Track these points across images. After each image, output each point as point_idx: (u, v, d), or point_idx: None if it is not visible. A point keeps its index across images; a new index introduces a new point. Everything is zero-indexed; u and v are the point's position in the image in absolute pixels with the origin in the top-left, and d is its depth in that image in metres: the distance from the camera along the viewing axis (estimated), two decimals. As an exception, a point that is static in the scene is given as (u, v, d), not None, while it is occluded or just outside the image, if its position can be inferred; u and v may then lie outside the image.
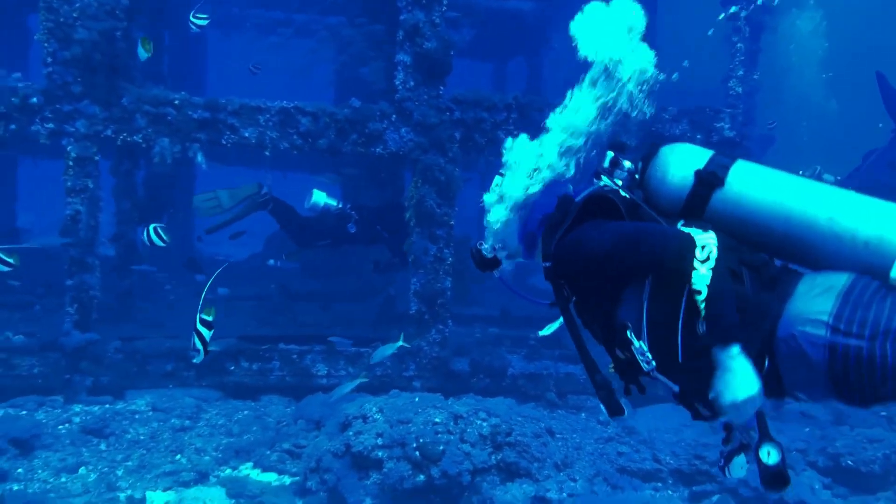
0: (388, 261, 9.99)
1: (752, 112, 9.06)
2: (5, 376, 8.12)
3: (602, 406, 2.66)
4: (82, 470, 6.78)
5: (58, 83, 7.84)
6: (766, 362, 2.30)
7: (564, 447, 7.02)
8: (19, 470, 6.64)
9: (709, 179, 2.54)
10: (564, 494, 6.10)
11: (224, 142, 8.10)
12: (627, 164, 2.78)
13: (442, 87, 8.20)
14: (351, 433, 6.58)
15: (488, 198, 2.92)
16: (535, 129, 2.86)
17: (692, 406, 2.51)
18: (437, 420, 6.57)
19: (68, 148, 7.94)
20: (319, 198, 9.29)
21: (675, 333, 2.39)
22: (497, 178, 2.91)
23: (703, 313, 2.26)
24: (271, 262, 11.43)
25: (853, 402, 2.26)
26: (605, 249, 2.44)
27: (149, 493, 6.28)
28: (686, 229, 2.42)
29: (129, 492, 6.25)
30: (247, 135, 8.11)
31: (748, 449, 2.40)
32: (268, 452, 7.37)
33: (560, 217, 2.69)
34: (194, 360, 4.18)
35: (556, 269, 2.65)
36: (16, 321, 9.30)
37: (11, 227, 12.95)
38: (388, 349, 7.45)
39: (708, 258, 2.25)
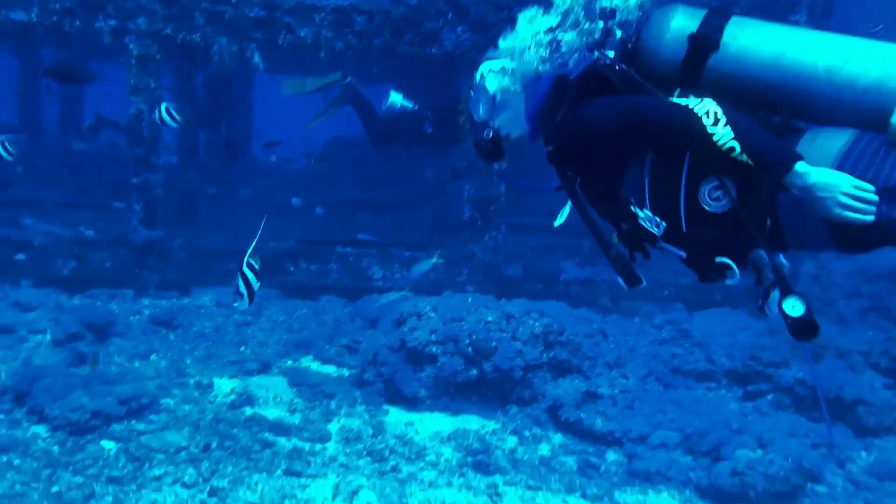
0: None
1: (832, 3, 8.50)
2: (80, 269, 8.55)
3: (620, 279, 2.62)
4: (153, 357, 7.18)
5: (120, -21, 7.91)
6: (769, 220, 2.34)
7: (617, 348, 7.10)
8: (98, 368, 7.06)
9: (703, 43, 2.44)
10: (616, 391, 6.21)
11: (280, 41, 8.09)
12: (619, 32, 2.63)
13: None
14: (406, 329, 6.75)
15: (488, 66, 2.79)
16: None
17: (700, 269, 2.52)
18: (489, 319, 6.69)
19: (130, 46, 8.05)
20: (396, 98, 9.23)
21: (678, 204, 2.41)
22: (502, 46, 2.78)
23: (750, 164, 2.21)
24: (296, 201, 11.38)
25: (853, 251, 2.31)
26: (607, 125, 2.40)
27: (216, 380, 6.62)
28: (682, 101, 2.36)
29: (197, 378, 6.60)
30: (302, 34, 8.08)
31: (776, 286, 2.34)
32: (326, 347, 7.67)
33: (558, 98, 2.61)
34: (236, 305, 4.08)
35: (560, 150, 2.61)
36: (88, 220, 9.69)
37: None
38: (425, 265, 7.62)
39: (717, 119, 2.22)
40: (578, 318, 7.09)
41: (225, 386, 6.52)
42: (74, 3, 7.91)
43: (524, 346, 6.53)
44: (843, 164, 2.21)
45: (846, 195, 2.13)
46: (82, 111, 14.06)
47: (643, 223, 2.48)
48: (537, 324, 6.71)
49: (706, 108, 2.24)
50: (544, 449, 5.86)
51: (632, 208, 2.50)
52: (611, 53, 2.58)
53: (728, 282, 2.44)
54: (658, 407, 6.12)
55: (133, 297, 8.47)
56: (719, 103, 2.25)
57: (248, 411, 5.99)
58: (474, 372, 6.41)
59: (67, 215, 9.80)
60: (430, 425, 6.13)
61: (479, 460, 5.44)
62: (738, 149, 2.18)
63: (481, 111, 2.80)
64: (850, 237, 2.26)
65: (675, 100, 2.39)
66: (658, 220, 2.45)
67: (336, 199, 11.84)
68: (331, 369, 7.31)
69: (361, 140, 14.25)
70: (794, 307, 2.25)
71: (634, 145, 2.44)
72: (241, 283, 4.00)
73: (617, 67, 2.53)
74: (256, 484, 4.74)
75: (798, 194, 2.21)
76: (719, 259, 2.38)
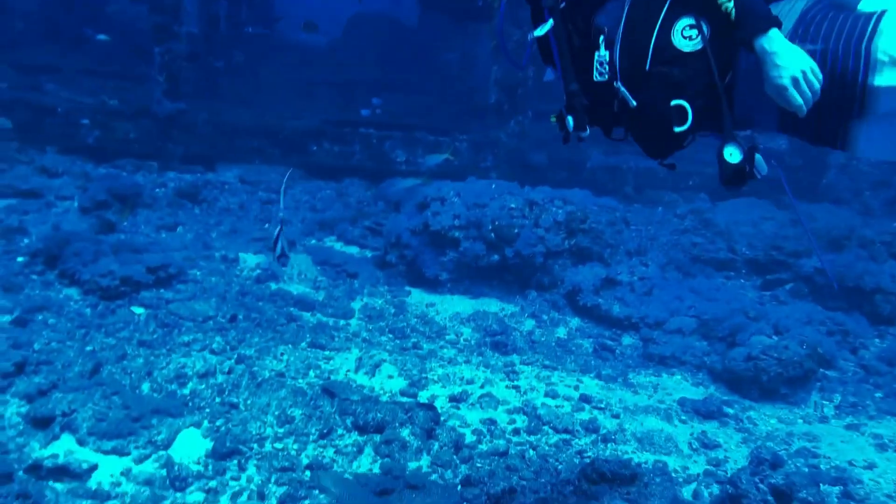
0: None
1: None
2: (105, 139, 8.55)
3: (569, 118, 2.62)
4: (179, 229, 7.29)
5: None
6: (729, 74, 2.39)
7: (638, 237, 7.10)
8: (124, 223, 7.17)
9: None
10: (635, 278, 6.25)
11: None
12: None
13: None
14: (429, 213, 6.76)
15: None
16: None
17: (653, 126, 2.54)
18: (512, 206, 6.67)
19: None
20: None
21: (650, 37, 2.43)
22: None
23: (732, 15, 2.26)
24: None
25: (796, 136, 2.42)
26: None
27: (241, 255, 6.73)
28: None
29: (223, 251, 6.70)
30: None
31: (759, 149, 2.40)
32: (350, 228, 7.73)
33: None
34: (279, 262, 4.06)
35: None
36: (111, 88, 9.59)
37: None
38: (437, 158, 7.59)
39: None
40: (602, 206, 7.05)
41: (250, 260, 6.62)
42: None
43: (546, 233, 6.55)
44: (800, 21, 2.32)
45: (802, 72, 2.18)
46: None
47: (595, 64, 2.53)
48: (560, 211, 6.69)
49: None
50: (561, 332, 5.99)
51: (600, 39, 2.52)
52: None
53: (678, 130, 2.44)
54: (676, 294, 6.19)
55: (158, 169, 8.49)
56: None
57: (273, 286, 6.12)
58: (496, 257, 6.47)
59: (90, 82, 9.69)
60: (450, 307, 6.25)
61: (498, 340, 5.57)
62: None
63: None
64: (794, 122, 2.33)
65: None
66: (607, 68, 2.50)
67: (358, 78, 11.58)
68: (354, 250, 7.39)
69: (385, 17, 13.85)
70: (732, 154, 2.32)
71: None
72: (282, 246, 4.02)
73: None
74: (282, 354, 4.90)
75: (760, 58, 2.25)
76: (675, 101, 2.41)
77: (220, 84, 10.29)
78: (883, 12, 2.22)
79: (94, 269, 5.37)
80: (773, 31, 2.22)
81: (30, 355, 4.27)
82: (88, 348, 4.56)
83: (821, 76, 2.20)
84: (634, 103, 2.50)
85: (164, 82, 8.47)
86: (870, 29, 2.20)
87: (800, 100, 2.20)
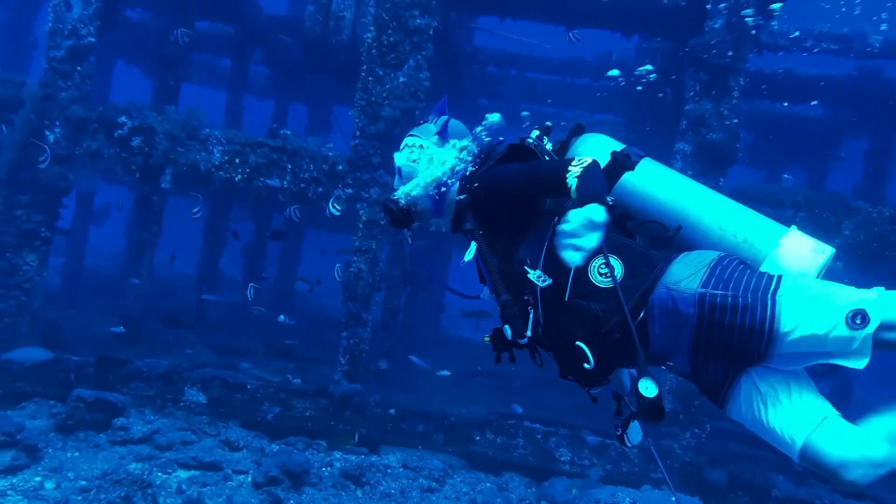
0: None
1: None
2: (284, 416, 8.94)
3: (506, 328, 2.72)
4: (342, 513, 7.17)
5: (361, 154, 8.86)
6: (642, 314, 2.54)
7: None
8: (291, 502, 7.18)
9: (622, 161, 2.80)
10: None
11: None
12: (548, 144, 2.98)
13: (722, 179, 8.00)
14: (604, 524, 6.31)
15: (400, 158, 3.10)
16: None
17: (569, 361, 2.67)
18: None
19: (360, 212, 8.83)
20: None
21: (569, 272, 2.55)
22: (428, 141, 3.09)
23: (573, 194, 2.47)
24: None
25: (701, 362, 2.51)
26: (511, 176, 2.69)
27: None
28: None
29: (383, 541, 6.47)
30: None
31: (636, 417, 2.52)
32: (514, 530, 7.31)
33: (482, 158, 2.93)
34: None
35: (471, 198, 2.81)
36: (294, 368, 10.28)
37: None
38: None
39: (579, 164, 2.52)
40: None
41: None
42: (321, 174, 8.91)
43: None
44: (712, 273, 2.49)
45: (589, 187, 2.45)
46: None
47: (531, 278, 2.62)
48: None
49: (579, 161, 2.54)
50: None
51: (525, 267, 2.67)
52: (548, 145, 2.97)
53: (585, 371, 2.57)
54: None
55: (326, 448, 8.66)
56: (594, 162, 2.55)
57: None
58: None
59: (278, 362, 10.48)
60: None
61: None
62: (573, 183, 2.47)
63: (395, 181, 3.12)
64: (704, 365, 2.51)
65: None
66: (545, 276, 2.61)
67: (515, 372, 11.77)
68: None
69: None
70: (648, 388, 2.33)
71: (532, 192, 2.70)
72: None
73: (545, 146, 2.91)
74: None
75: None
76: (578, 343, 2.55)
77: (388, 368, 10.77)
78: (780, 276, 2.47)
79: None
80: (570, 179, 2.46)
81: None
82: None
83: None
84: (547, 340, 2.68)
85: (345, 363, 8.98)
86: (773, 283, 2.42)
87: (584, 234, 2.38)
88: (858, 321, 2.26)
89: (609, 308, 2.54)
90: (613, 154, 2.82)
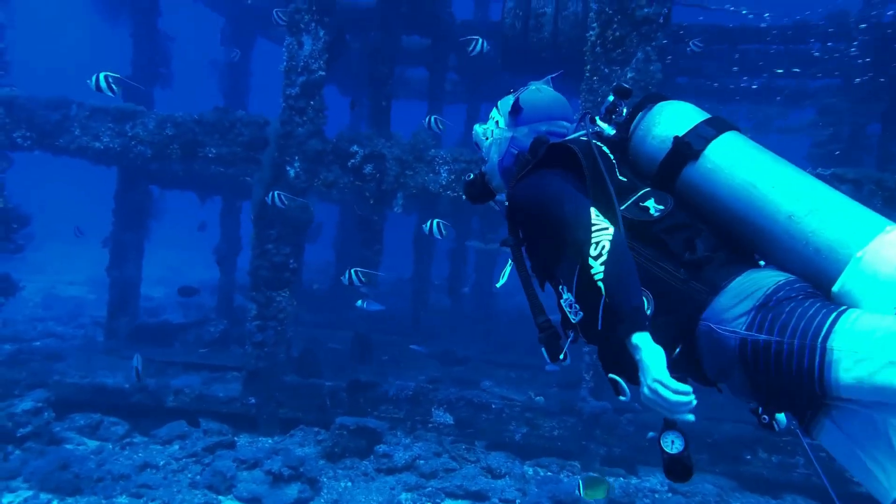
0: None
1: None
2: (531, 435, 8.71)
3: (543, 350, 2.55)
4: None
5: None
6: (679, 347, 2.27)
7: None
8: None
9: (683, 149, 2.40)
10: None
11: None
12: (623, 112, 2.65)
13: None
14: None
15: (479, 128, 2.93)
16: None
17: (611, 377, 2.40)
18: None
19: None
20: None
21: (599, 302, 2.23)
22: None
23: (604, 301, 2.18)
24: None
25: (763, 397, 2.19)
26: (538, 202, 2.43)
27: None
28: (594, 217, 2.26)
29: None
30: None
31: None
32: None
33: (528, 159, 2.66)
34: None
35: (509, 210, 2.63)
36: (539, 385, 10.05)
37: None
38: None
39: (600, 254, 2.15)
40: None
41: None
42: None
43: None
44: (762, 306, 2.14)
45: (649, 388, 2.03)
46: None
47: (564, 305, 2.47)
48: None
49: (598, 239, 2.18)
50: None
51: (560, 287, 2.50)
52: (610, 130, 2.62)
53: (621, 398, 2.32)
54: None
55: (580, 469, 8.31)
56: (615, 237, 2.18)
57: None
58: None
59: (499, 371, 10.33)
60: None
61: None
62: (602, 289, 2.14)
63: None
64: (758, 373, 2.14)
65: (593, 214, 2.27)
66: (578, 307, 2.41)
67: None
68: None
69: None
70: (674, 444, 2.12)
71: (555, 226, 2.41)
72: None
73: (598, 144, 2.52)
74: None
75: None
76: (611, 375, 2.33)
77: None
78: (845, 309, 2.04)
79: None
80: (636, 337, 2.07)
81: None
82: None
83: (680, 387, 2.00)
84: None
85: (590, 380, 8.57)
86: (829, 322, 2.01)
87: (664, 412, 2.04)
88: None
89: None
90: (675, 140, 2.41)
